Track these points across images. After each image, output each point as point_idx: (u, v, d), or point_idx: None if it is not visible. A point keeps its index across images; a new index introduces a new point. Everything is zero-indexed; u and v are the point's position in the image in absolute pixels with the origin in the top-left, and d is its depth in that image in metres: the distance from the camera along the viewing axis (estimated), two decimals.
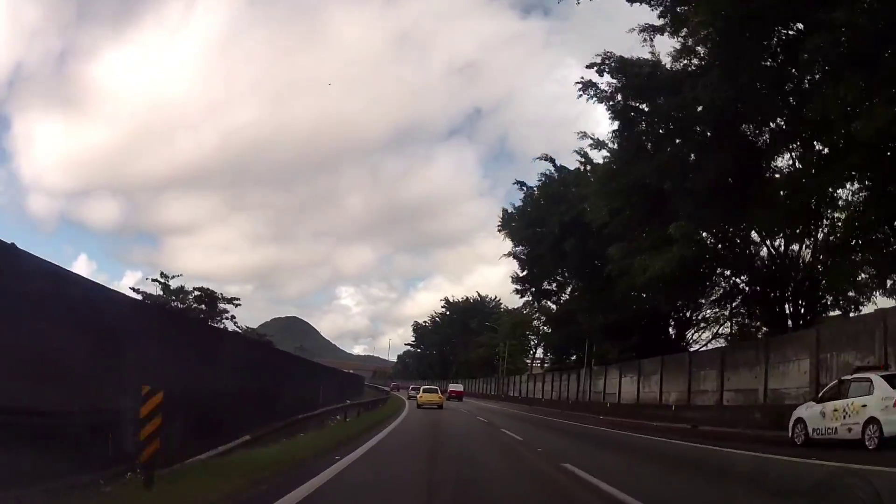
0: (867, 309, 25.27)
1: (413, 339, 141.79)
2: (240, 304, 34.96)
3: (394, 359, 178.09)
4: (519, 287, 53.45)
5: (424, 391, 45.54)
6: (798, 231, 26.82)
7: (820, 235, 27.01)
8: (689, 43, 24.25)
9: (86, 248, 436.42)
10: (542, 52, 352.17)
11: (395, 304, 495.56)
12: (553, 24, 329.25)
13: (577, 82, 28.18)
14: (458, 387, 72.62)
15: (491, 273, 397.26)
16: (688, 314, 39.74)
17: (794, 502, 7.10)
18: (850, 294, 26.95)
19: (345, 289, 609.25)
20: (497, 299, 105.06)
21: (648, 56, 26.68)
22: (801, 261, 27.63)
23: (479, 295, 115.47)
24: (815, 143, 25.06)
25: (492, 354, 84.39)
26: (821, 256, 27.09)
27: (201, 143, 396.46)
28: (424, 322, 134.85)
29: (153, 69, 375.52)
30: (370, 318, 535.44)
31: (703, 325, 39.80)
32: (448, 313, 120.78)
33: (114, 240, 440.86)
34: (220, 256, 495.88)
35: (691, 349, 37.45)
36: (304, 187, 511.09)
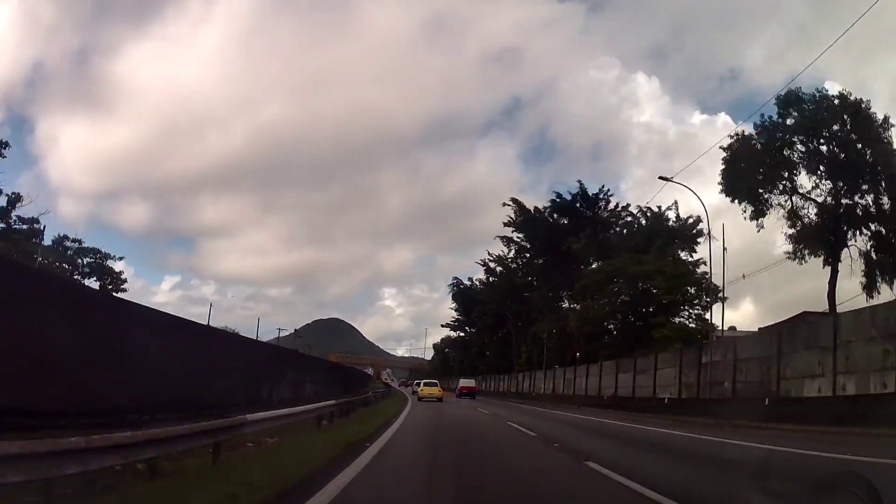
0: None
1: (456, 312, 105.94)
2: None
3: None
4: None
5: (425, 385, 51.36)
6: None
7: None
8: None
9: (121, 251, 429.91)
10: (581, 38, 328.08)
11: (437, 305, 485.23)
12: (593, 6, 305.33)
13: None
14: (470, 382, 66.00)
15: None
16: None
17: (794, 502, 6.99)
18: None
19: (386, 290, 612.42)
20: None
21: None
22: None
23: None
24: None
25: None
26: None
27: (232, 142, 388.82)
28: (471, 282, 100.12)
29: (178, 64, 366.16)
30: (412, 319, 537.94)
31: None
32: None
33: (147, 243, 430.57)
34: (257, 259, 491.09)
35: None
36: (339, 185, 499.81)
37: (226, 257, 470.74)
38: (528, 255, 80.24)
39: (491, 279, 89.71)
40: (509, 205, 75.52)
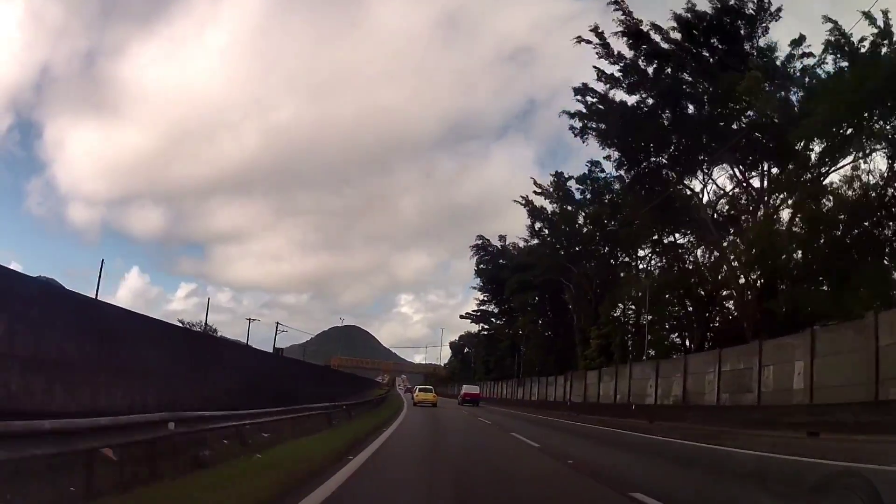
0: None
1: (480, 292, 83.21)
2: None
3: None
4: None
5: (420, 391, 52.38)
6: None
7: None
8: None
9: (133, 259, 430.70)
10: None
11: (454, 311, 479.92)
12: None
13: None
14: (474, 388, 61.80)
15: None
16: None
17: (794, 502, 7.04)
18: None
19: (403, 297, 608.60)
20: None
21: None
22: None
23: None
24: None
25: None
26: None
27: (244, 145, 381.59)
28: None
29: (187, 66, 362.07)
30: (429, 325, 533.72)
31: None
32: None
33: (160, 250, 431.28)
34: (271, 265, 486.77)
35: None
36: (353, 189, 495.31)
37: (240, 264, 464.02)
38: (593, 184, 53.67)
39: (539, 227, 62.26)
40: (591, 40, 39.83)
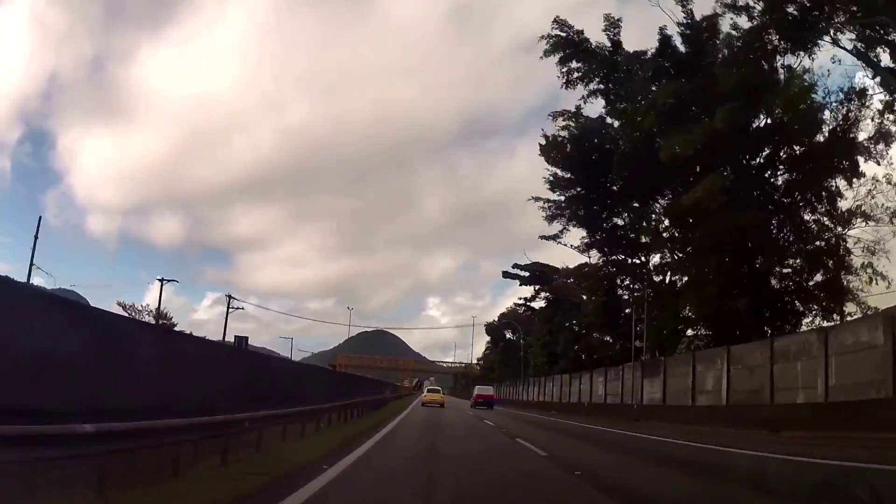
0: None
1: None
2: None
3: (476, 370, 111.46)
4: None
5: (428, 391, 56.08)
6: None
7: None
8: None
9: (156, 269, 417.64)
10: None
11: (483, 313, 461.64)
12: None
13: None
14: (488, 389, 56.86)
15: None
16: None
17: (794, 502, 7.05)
18: None
19: (430, 300, 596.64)
20: None
21: None
22: None
23: None
24: None
25: None
26: None
27: (260, 147, 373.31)
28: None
29: (197, 67, 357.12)
30: (458, 327, 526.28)
31: None
32: None
33: (181, 258, 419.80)
34: (296, 271, 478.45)
35: None
36: (373, 190, 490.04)
37: (263, 270, 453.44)
38: None
39: None
40: None
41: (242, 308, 75.83)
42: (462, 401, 70.86)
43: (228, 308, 57.42)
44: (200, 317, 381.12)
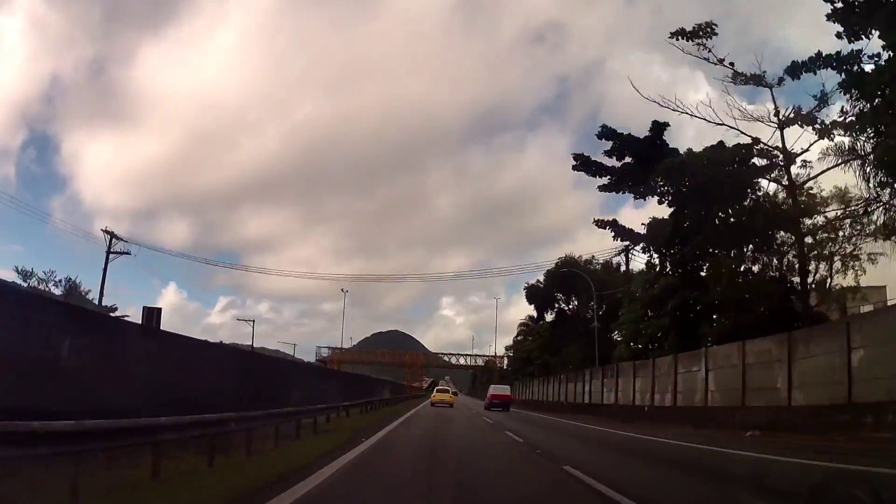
0: None
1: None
2: None
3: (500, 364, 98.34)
4: None
5: (437, 391, 56.60)
6: None
7: None
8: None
9: (169, 274, 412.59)
10: (628, 11, 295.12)
11: (498, 312, 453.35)
12: None
13: None
14: (504, 389, 51.52)
15: None
16: None
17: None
18: None
19: (445, 299, 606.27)
20: None
21: None
22: None
23: None
24: None
25: None
26: None
27: (267, 148, 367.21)
28: None
29: (200, 68, 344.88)
30: (473, 326, 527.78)
31: None
32: None
33: (192, 262, 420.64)
34: (308, 273, 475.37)
35: None
36: (384, 190, 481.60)
37: (274, 273, 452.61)
38: None
39: None
40: None
41: (253, 321, 76.52)
42: (480, 402, 61.21)
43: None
44: (213, 320, 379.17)
